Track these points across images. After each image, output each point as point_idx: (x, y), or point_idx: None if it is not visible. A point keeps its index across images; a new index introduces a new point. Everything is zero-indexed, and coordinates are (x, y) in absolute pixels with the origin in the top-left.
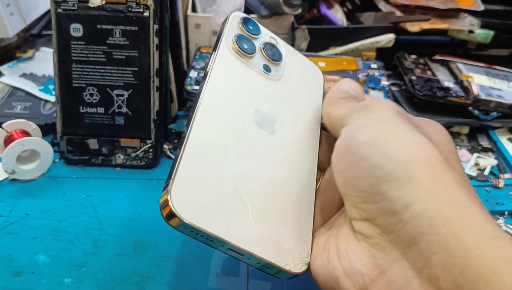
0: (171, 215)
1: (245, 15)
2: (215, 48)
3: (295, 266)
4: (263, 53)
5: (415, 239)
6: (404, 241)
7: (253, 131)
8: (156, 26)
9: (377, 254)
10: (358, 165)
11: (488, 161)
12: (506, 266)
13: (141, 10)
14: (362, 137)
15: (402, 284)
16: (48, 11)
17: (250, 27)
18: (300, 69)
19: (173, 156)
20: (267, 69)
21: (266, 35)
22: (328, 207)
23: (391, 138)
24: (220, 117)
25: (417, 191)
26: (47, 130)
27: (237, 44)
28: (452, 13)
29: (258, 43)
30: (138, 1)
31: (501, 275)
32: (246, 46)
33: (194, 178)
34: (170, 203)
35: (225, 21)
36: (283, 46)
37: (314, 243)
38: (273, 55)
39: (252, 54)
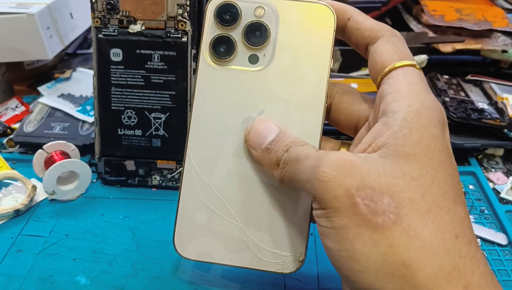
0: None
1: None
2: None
3: (287, 267)
4: (245, 42)
5: None
6: None
7: (242, 152)
8: (193, 51)
9: None
10: (335, 266)
11: None
12: None
13: (179, 35)
14: (329, 244)
15: None
16: (84, 32)
17: (227, 16)
18: (299, 29)
19: None
20: (253, 60)
21: (249, 13)
22: None
23: (357, 249)
24: (208, 147)
25: None
26: (84, 150)
27: (212, 52)
28: (485, 33)
29: (239, 31)
30: (176, 27)
31: None
32: (222, 49)
33: (190, 221)
34: (174, 247)
35: (204, 14)
36: (272, 10)
37: None
38: (257, 38)
39: (230, 54)
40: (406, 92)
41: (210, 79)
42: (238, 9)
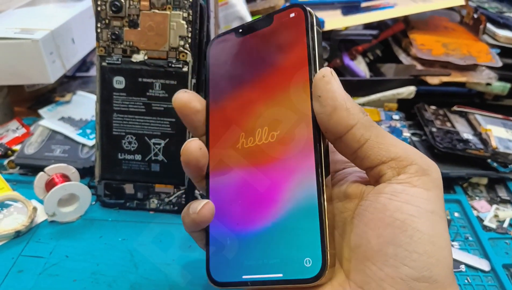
0: None
1: None
2: None
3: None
4: None
5: None
6: None
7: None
8: (193, 81)
9: None
10: (407, 253)
11: (507, 213)
12: None
13: (180, 65)
14: (423, 227)
15: None
16: (84, 56)
17: None
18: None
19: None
20: None
21: None
22: None
23: (443, 240)
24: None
25: None
26: (84, 173)
27: None
28: (471, 66)
29: None
30: (178, 57)
31: None
32: None
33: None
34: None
35: None
36: None
37: None
38: None
39: None
40: None
41: None
42: None
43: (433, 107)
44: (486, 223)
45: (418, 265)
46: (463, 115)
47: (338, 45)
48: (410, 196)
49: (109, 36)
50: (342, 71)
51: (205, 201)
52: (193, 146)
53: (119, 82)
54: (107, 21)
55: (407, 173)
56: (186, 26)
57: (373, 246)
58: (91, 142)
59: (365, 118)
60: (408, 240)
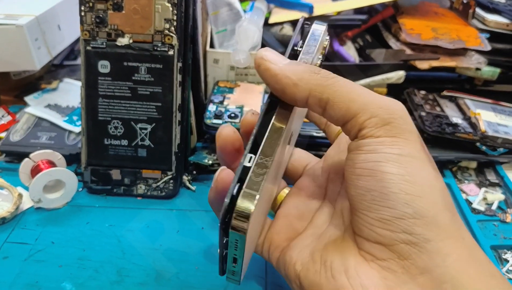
0: None
1: None
2: None
3: None
4: None
5: (428, 269)
6: (417, 268)
7: None
8: (179, 64)
9: (388, 276)
10: (383, 195)
11: (496, 196)
12: None
13: (166, 49)
14: (391, 169)
15: None
16: (71, 43)
17: None
18: None
19: (192, 187)
20: None
21: None
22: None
23: (421, 178)
24: None
25: (438, 231)
26: (71, 159)
27: None
28: (460, 51)
29: None
30: (163, 40)
31: None
32: None
33: None
34: None
35: None
36: None
37: (297, 249)
38: None
39: None
40: None
41: None
42: None
43: (423, 92)
44: (474, 205)
45: (397, 203)
46: (453, 100)
47: (327, 31)
48: (374, 146)
49: (93, 19)
50: (331, 57)
51: (222, 167)
52: (227, 130)
53: (104, 66)
54: (91, 4)
55: (368, 127)
56: (171, 8)
57: (354, 197)
58: (77, 129)
59: (317, 80)
60: (380, 183)
